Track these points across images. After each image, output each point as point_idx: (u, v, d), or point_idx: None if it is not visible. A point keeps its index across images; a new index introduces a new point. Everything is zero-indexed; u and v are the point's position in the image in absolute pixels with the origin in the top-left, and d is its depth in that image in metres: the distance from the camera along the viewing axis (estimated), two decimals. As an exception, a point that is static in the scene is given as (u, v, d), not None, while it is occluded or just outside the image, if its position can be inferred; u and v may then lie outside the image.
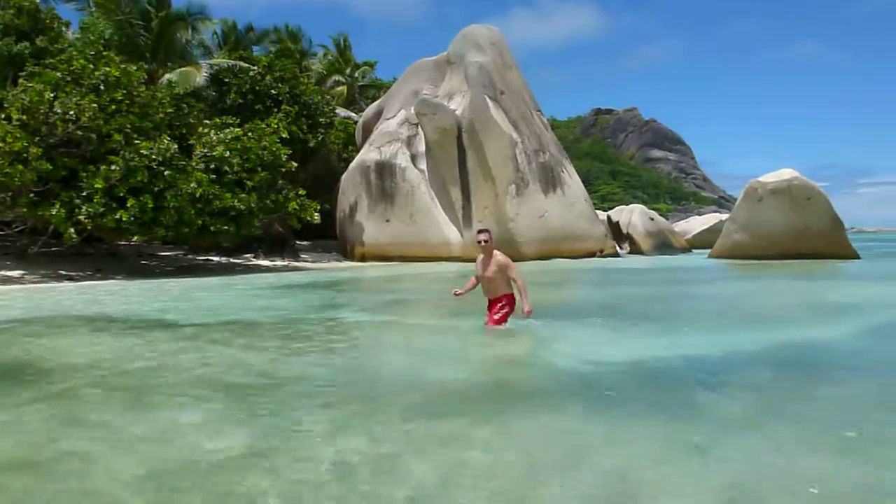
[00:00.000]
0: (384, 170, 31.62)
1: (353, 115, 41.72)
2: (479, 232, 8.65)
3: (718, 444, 4.20)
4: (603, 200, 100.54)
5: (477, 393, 5.79)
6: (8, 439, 4.38)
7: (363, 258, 31.09)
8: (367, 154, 32.54)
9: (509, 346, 8.19)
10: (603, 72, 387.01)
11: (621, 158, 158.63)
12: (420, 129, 32.24)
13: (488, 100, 30.61)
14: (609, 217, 43.84)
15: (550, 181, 31.19)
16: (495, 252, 8.49)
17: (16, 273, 19.27)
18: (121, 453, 4.07)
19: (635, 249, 41.08)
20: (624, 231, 42.69)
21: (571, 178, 32.78)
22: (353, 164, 33.21)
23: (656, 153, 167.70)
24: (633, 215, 43.72)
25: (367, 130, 35.01)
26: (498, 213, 29.57)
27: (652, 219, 44.27)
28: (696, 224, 52.93)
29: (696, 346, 7.70)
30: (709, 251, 32.86)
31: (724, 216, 46.23)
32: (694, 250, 43.32)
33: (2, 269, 19.81)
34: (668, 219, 54.71)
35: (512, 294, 8.59)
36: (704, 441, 4.22)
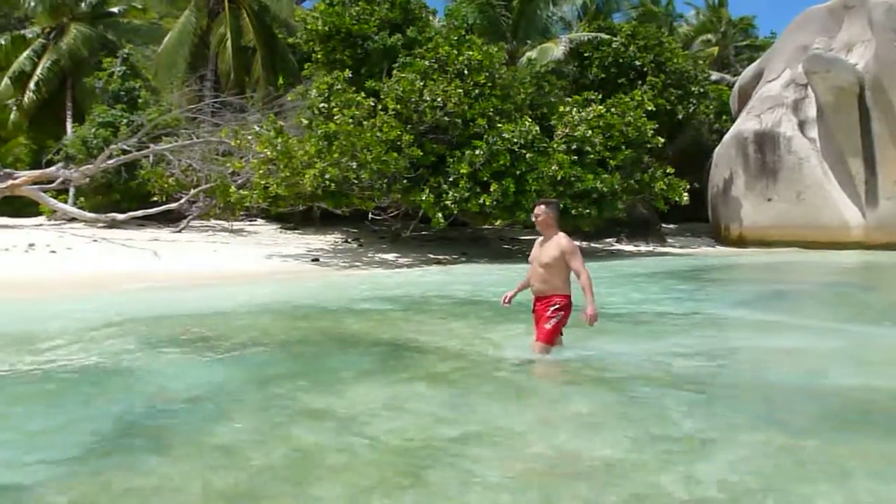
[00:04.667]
0: (765, 141, 29.65)
1: (727, 77, 39.79)
2: (536, 204, 6.88)
3: None
4: None
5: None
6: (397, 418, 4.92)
7: (739, 243, 29.58)
8: (745, 123, 30.80)
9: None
10: None
11: None
12: (810, 91, 29.58)
13: (901, 48, 26.94)
14: None
15: None
16: (559, 233, 6.62)
17: (391, 256, 21.89)
18: (495, 447, 4.34)
19: None
20: None
21: None
22: (727, 136, 31.70)
23: None
24: None
25: (745, 96, 33.12)
26: (913, 189, 25.98)
27: None
28: None
29: None
30: None
31: None
32: None
33: (379, 252, 22.68)
34: None
35: (569, 297, 6.56)
36: None
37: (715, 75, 38.63)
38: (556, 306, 6.46)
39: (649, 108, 24.32)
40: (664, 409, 5.12)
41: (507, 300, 6.89)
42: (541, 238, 6.74)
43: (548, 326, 6.46)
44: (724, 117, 35.03)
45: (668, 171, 24.47)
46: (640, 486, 3.64)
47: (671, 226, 34.10)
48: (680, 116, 29.71)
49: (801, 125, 29.63)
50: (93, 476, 3.83)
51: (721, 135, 33.06)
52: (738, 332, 8.83)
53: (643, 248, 28.44)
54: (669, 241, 30.99)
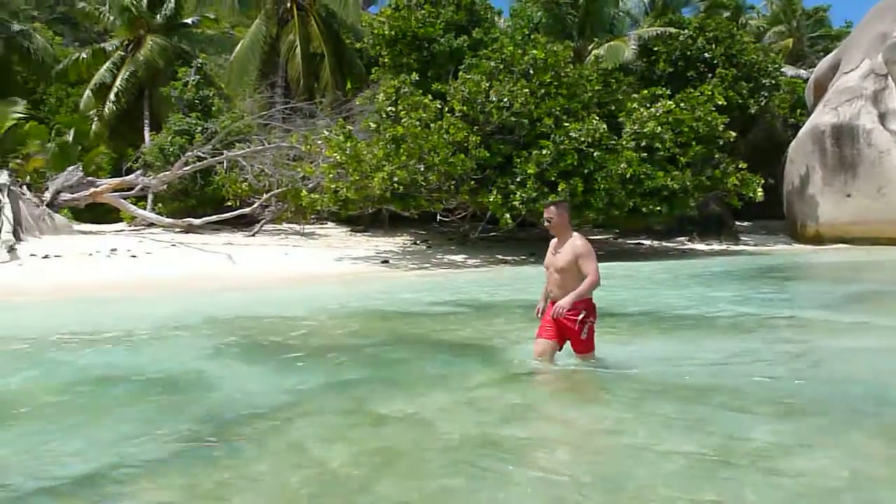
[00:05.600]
0: (843, 134, 28.72)
1: (801, 72, 38.68)
2: (546, 206, 6.40)
3: None
4: None
5: None
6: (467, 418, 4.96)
7: (817, 241, 28.71)
8: (821, 117, 29.88)
9: None
10: None
11: None
12: (890, 82, 28.53)
13: None
14: None
15: None
16: (574, 235, 6.27)
17: (459, 258, 21.95)
18: (567, 446, 4.34)
19: None
20: None
21: None
22: (803, 131, 30.82)
23: None
24: None
25: (820, 88, 32.13)
26: None
27: None
28: None
29: None
30: None
31: None
32: None
33: (448, 253, 22.77)
34: None
35: (590, 299, 6.16)
36: None
37: (790, 71, 37.53)
38: (584, 313, 6.09)
39: (720, 103, 23.80)
40: (740, 412, 5.03)
41: (539, 314, 6.57)
42: (554, 241, 6.39)
43: (583, 337, 6.17)
44: (798, 111, 34.07)
45: (740, 166, 23.87)
46: (719, 488, 3.59)
47: (745, 223, 33.31)
48: (752, 110, 28.95)
49: (882, 117, 28.60)
50: (181, 473, 3.96)
51: (796, 129, 32.18)
52: (822, 333, 8.57)
53: (716, 246, 27.85)
54: (743, 239, 30.29)
